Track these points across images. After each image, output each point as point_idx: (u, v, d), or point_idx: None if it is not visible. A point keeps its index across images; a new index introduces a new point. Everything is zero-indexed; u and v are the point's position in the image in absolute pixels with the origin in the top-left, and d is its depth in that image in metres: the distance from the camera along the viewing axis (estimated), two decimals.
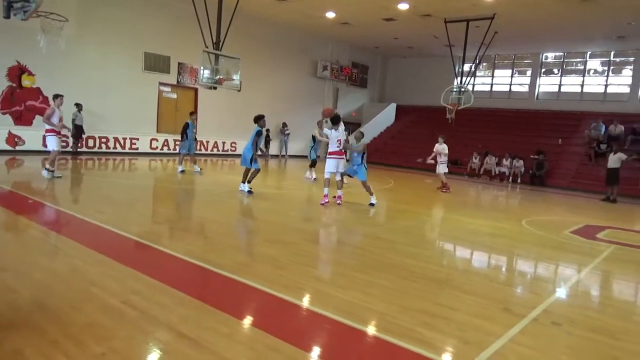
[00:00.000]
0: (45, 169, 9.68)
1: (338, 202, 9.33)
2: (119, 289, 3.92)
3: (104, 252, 4.90)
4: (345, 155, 9.80)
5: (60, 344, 2.94)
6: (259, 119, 9.71)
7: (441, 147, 13.34)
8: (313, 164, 13.29)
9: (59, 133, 9.88)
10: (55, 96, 9.78)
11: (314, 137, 12.96)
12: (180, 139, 13.18)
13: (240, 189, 9.95)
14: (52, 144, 9.75)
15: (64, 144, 13.53)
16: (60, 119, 9.79)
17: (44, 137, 10.31)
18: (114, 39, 16.18)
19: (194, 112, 13.62)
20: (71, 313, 3.39)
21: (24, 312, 3.38)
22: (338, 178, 9.43)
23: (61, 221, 6.65)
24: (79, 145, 15.37)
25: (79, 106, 14.82)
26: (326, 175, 9.33)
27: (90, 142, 15.96)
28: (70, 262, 4.59)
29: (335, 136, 9.16)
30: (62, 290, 3.83)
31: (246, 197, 9.54)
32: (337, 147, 9.19)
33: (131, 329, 3.22)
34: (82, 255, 4.82)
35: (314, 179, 13.08)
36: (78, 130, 14.93)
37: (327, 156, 9.35)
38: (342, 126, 9.26)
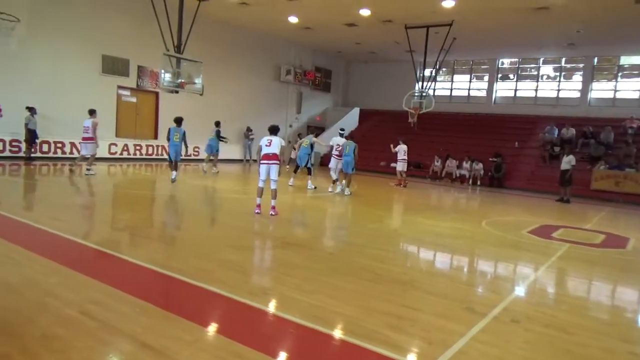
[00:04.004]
0: (87, 169, 12.22)
1: (271, 212, 8.27)
2: (76, 299, 3.78)
3: (60, 261, 4.71)
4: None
5: (14, 359, 2.80)
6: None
7: (401, 147, 15.70)
8: (309, 172, 13.17)
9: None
10: (93, 111, 12.48)
11: (311, 145, 13.04)
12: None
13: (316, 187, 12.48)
14: (91, 149, 12.36)
15: (16, 148, 14.78)
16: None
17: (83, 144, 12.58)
18: (70, 41, 15.63)
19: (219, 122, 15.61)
20: (25, 325, 3.25)
21: None
22: (273, 187, 8.27)
23: (13, 229, 6.33)
24: (33, 150, 14.76)
25: (32, 110, 14.23)
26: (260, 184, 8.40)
27: (45, 147, 15.34)
28: (23, 272, 4.39)
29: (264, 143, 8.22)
30: (14, 302, 3.66)
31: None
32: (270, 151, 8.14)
33: (90, 340, 3.10)
34: (36, 265, 4.62)
35: (315, 187, 12.88)
36: (31, 135, 14.37)
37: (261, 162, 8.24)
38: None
